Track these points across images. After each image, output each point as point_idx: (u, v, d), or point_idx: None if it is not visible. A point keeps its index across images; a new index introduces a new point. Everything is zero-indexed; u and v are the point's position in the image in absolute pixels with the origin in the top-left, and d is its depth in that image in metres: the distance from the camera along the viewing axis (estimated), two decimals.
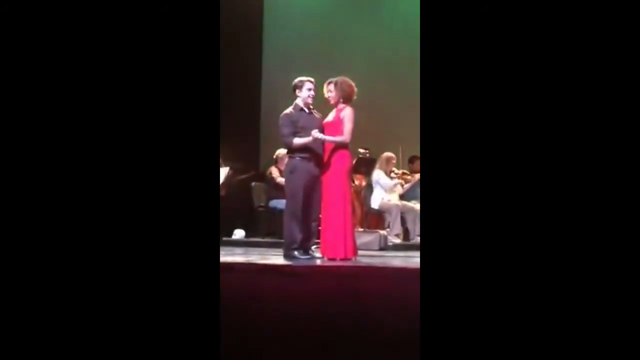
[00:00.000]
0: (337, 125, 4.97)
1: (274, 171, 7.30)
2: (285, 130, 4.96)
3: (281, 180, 6.85)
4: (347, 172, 5.08)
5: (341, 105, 5.01)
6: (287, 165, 5.17)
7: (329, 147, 5.00)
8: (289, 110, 5.05)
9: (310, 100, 5.04)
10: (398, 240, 6.96)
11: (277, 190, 7.10)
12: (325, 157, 5.02)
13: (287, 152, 5.16)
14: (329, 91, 5.06)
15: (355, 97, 5.07)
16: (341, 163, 4.98)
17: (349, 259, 4.88)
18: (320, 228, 5.22)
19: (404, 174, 7.44)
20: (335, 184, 4.96)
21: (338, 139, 4.94)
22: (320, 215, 5.17)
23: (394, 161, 7.33)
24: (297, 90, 5.03)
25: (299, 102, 5.04)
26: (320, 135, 4.92)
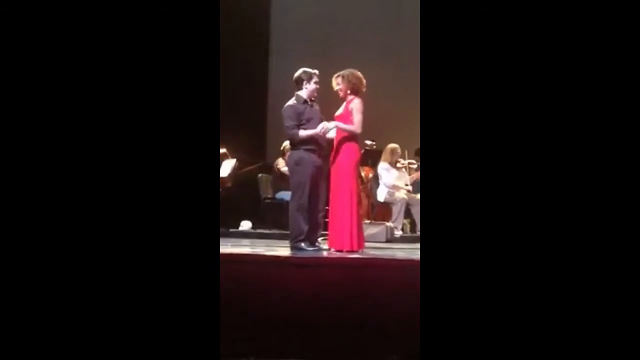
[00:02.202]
0: (346, 117, 4.98)
1: (281, 163, 7.31)
2: (290, 123, 4.94)
3: (285, 169, 6.86)
4: (356, 164, 5.08)
5: (350, 97, 5.02)
6: (291, 157, 5.15)
7: (338, 138, 5.01)
8: (292, 102, 5.03)
9: (315, 93, 5.04)
10: (400, 233, 6.97)
11: (284, 181, 7.11)
12: (334, 149, 5.03)
13: (291, 144, 5.14)
14: (338, 84, 5.07)
15: (364, 89, 5.08)
16: (350, 155, 4.99)
17: (356, 251, 4.89)
18: (327, 220, 5.23)
19: (410, 164, 7.46)
20: (343, 175, 4.96)
21: (349, 126, 4.95)
22: (327, 207, 5.18)
23: (399, 152, 7.34)
24: (304, 82, 5.01)
25: (302, 94, 5.01)
26: (331, 124, 4.94)
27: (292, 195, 5.04)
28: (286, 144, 6.89)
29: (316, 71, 5.05)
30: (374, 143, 7.39)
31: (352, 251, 4.88)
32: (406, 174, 7.44)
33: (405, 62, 8.08)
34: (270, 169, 7.77)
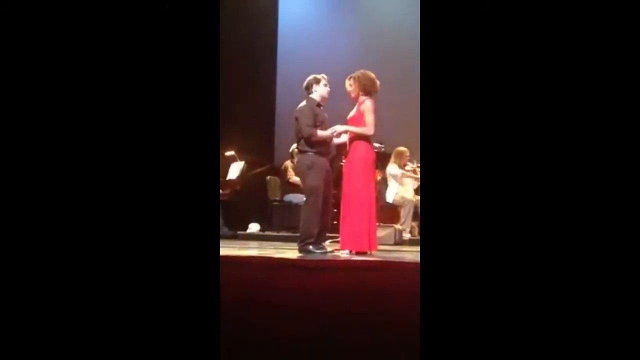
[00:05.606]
0: (358, 119, 4.99)
1: (291, 172, 7.32)
2: (309, 121, 4.95)
3: (295, 179, 6.88)
4: (372, 164, 5.08)
5: (362, 99, 5.03)
6: (301, 161, 5.15)
7: (351, 141, 5.02)
8: (306, 103, 5.07)
9: (327, 95, 5.07)
10: (409, 236, 6.98)
11: (292, 185, 7.13)
12: (348, 151, 5.04)
13: (302, 147, 5.10)
14: (350, 85, 5.09)
15: (376, 91, 5.09)
16: (365, 156, 4.99)
17: (365, 253, 4.89)
18: (336, 222, 5.23)
19: (418, 167, 7.47)
20: (359, 176, 4.96)
21: (361, 129, 4.96)
22: (335, 210, 5.18)
23: (407, 155, 7.35)
24: (314, 86, 5.04)
25: (315, 97, 5.05)
26: (343, 127, 4.96)
27: (306, 200, 5.03)
28: (294, 146, 6.91)
29: (324, 75, 5.08)
30: (382, 146, 7.40)
31: (361, 252, 4.88)
32: (413, 178, 7.46)
33: (411, 65, 8.07)
34: (279, 171, 7.79)
